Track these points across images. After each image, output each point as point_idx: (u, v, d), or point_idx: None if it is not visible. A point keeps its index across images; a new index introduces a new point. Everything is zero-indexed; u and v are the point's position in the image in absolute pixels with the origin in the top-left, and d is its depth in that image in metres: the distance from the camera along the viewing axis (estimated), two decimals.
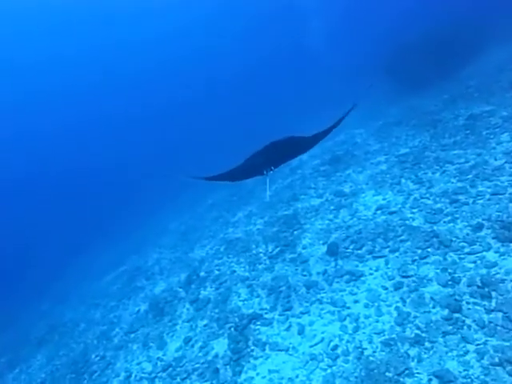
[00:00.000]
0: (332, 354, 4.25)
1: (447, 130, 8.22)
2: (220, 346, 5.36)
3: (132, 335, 6.98)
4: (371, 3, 26.54)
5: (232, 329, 5.56)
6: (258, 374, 4.55)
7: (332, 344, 4.40)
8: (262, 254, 7.37)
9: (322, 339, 4.55)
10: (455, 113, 8.85)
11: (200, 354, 5.45)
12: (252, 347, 5.03)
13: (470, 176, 6.11)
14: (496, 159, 6.15)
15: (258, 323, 5.42)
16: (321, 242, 6.71)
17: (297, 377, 4.22)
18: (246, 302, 6.08)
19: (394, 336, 4.07)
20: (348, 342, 4.33)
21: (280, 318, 5.32)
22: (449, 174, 6.53)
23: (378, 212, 6.64)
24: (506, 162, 5.90)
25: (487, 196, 5.42)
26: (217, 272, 7.56)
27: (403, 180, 7.21)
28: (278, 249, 7.23)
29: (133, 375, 5.83)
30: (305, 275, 5.99)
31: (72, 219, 26.65)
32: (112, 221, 21.23)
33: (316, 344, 4.52)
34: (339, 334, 4.49)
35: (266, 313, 5.58)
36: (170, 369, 5.48)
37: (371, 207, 6.93)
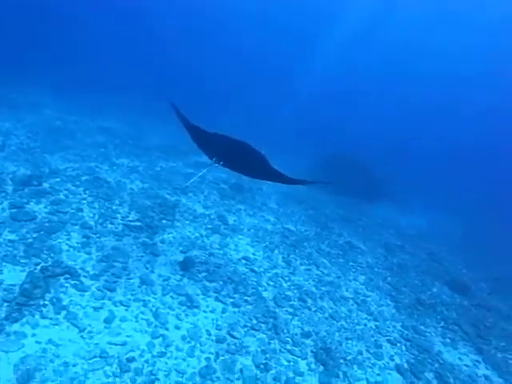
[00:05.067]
0: (124, 365, 3.83)
1: (329, 239, 9.14)
2: (12, 277, 4.34)
3: None
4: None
5: (38, 267, 4.61)
6: (33, 335, 3.77)
7: (130, 354, 3.99)
8: (119, 216, 6.59)
9: (124, 343, 4.10)
10: (341, 231, 9.98)
11: None
12: (47, 302, 4.21)
13: (323, 288, 6.77)
14: (347, 290, 7.01)
15: (71, 282, 4.63)
16: (180, 248, 6.38)
17: (74, 365, 3.63)
18: (71, 251, 5.20)
19: None
20: (147, 362, 3.99)
21: (96, 292, 4.66)
22: (310, 274, 7.12)
23: (243, 261, 6.73)
24: (352, 299, 6.76)
25: (326, 314, 6.04)
26: (62, 196, 6.40)
27: (276, 251, 7.57)
28: (138, 223, 6.58)
29: None
30: (147, 268, 5.51)
31: None
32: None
33: (115, 344, 4.04)
34: (143, 349, 4.13)
35: (85, 276, 4.84)
36: None
37: (240, 252, 7.00)
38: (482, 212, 17.95)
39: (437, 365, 5.62)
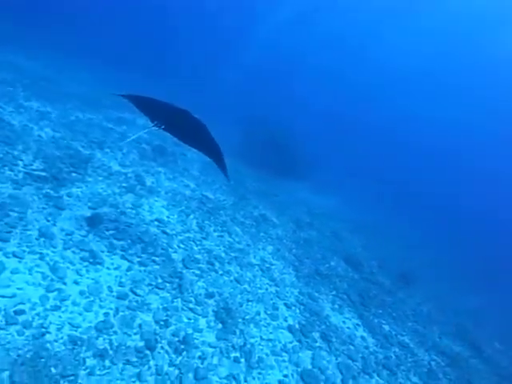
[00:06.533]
0: (11, 317, 3.63)
1: (244, 210, 9.46)
2: None
3: None
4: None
5: None
6: None
7: (19, 307, 3.79)
8: (20, 163, 6.01)
9: (13, 295, 3.87)
10: (257, 204, 10.38)
11: None
12: None
13: (233, 254, 7.07)
14: (254, 258, 7.41)
15: None
16: (89, 204, 6.07)
17: None
18: None
19: (85, 337, 3.89)
20: (38, 315, 3.83)
21: None
22: (222, 241, 7.36)
23: (156, 223, 6.68)
24: (258, 265, 7.18)
25: (232, 278, 6.35)
26: None
27: (192, 216, 7.63)
28: (43, 174, 6.08)
29: None
30: (48, 221, 5.17)
31: None
32: None
33: (3, 296, 3.79)
34: (35, 303, 3.94)
35: None
36: None
37: (154, 214, 6.92)
38: (386, 200, 20.01)
39: (324, 326, 6.33)
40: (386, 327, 7.34)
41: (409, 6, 37.81)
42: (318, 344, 5.84)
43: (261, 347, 5.18)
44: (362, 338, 6.63)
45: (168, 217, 7.10)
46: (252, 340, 5.20)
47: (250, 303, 5.94)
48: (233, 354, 4.76)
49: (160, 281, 5.32)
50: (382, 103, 41.03)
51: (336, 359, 5.71)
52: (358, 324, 6.99)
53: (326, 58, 42.82)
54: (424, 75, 44.44)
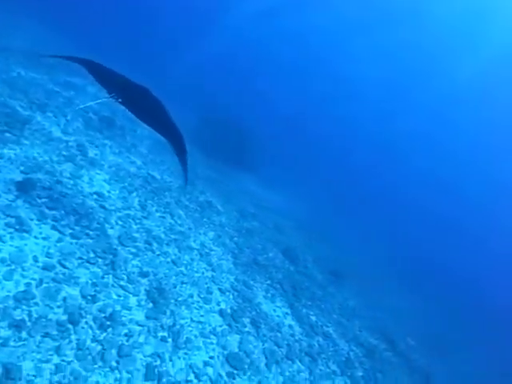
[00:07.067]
0: None
1: (191, 194, 9.38)
2: None
3: None
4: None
5: None
6: None
7: None
8: None
9: None
10: (204, 190, 10.34)
11: None
12: None
13: (173, 236, 6.99)
14: (194, 242, 7.39)
15: None
16: (21, 168, 5.64)
17: None
18: None
19: (0, 306, 3.65)
20: None
21: None
22: (163, 222, 7.24)
23: (94, 196, 6.39)
24: (197, 250, 7.18)
25: (169, 259, 6.30)
26: None
27: (134, 194, 7.41)
28: None
29: None
30: None
31: None
32: None
33: None
34: None
35: None
36: None
37: (93, 187, 6.62)
38: (331, 200, 20.90)
39: (254, 313, 6.53)
40: (313, 318, 7.73)
41: (379, 17, 39.39)
42: (246, 329, 6.01)
43: (190, 329, 5.23)
44: (290, 326, 6.94)
45: (109, 191, 6.84)
46: (182, 321, 5.23)
47: (184, 285, 5.94)
48: (160, 334, 4.76)
49: (92, 255, 5.13)
50: (337, 107, 42.35)
51: (263, 344, 5.93)
52: (287, 313, 7.29)
53: (290, 55, 43.25)
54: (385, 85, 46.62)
